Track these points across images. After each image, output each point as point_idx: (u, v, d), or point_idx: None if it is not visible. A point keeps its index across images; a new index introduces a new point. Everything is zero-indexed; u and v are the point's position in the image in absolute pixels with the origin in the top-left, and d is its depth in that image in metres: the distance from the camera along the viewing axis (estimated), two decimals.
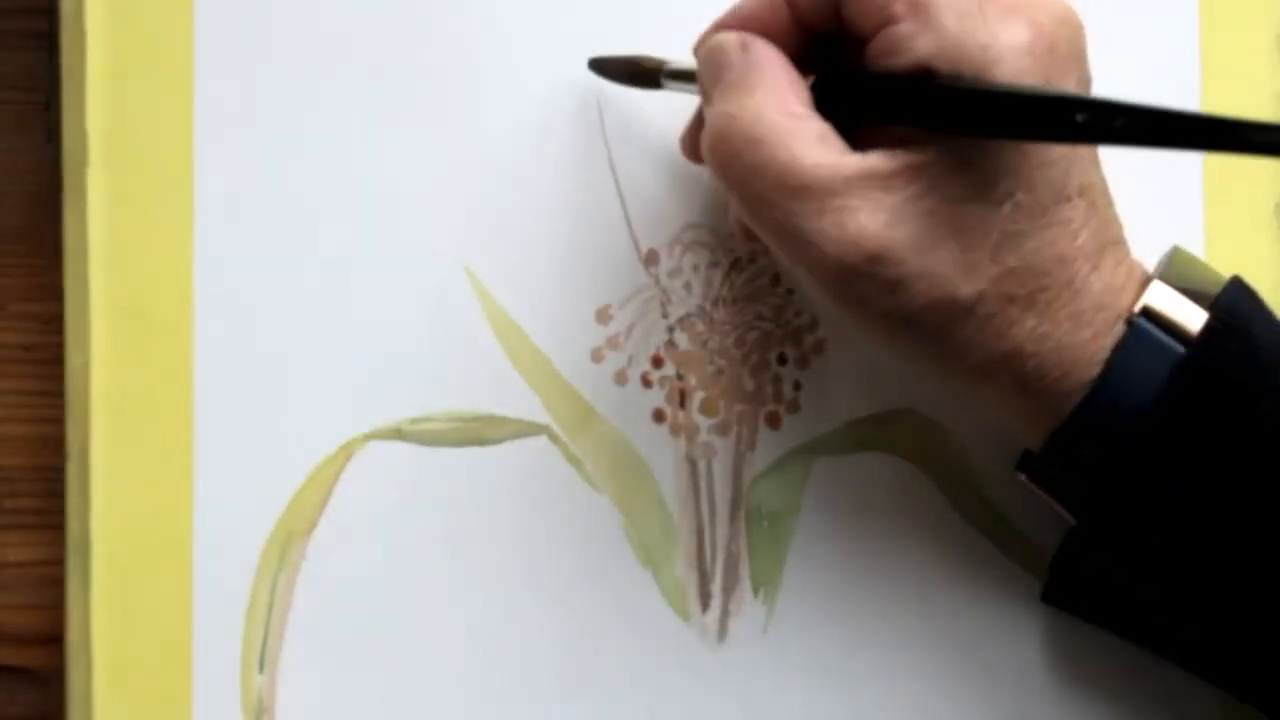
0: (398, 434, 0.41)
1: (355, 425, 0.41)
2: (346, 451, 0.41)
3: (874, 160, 0.34)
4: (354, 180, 0.41)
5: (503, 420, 0.41)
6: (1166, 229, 0.40)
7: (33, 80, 0.42)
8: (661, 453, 0.42)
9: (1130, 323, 0.35)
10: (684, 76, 0.39)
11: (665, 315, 0.42)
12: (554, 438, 0.41)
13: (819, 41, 0.37)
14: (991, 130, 0.34)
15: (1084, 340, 0.35)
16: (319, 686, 0.41)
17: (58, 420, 0.41)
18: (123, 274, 0.41)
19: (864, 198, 0.34)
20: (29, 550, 0.42)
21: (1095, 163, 0.36)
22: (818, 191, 0.34)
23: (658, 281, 0.42)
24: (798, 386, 0.42)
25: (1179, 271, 0.37)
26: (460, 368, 0.41)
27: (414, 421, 0.41)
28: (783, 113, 0.35)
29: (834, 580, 0.42)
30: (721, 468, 0.42)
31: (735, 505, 0.42)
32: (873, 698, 0.41)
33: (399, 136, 0.41)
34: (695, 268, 0.42)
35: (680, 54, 0.39)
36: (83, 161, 0.40)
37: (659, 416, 0.42)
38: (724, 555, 0.42)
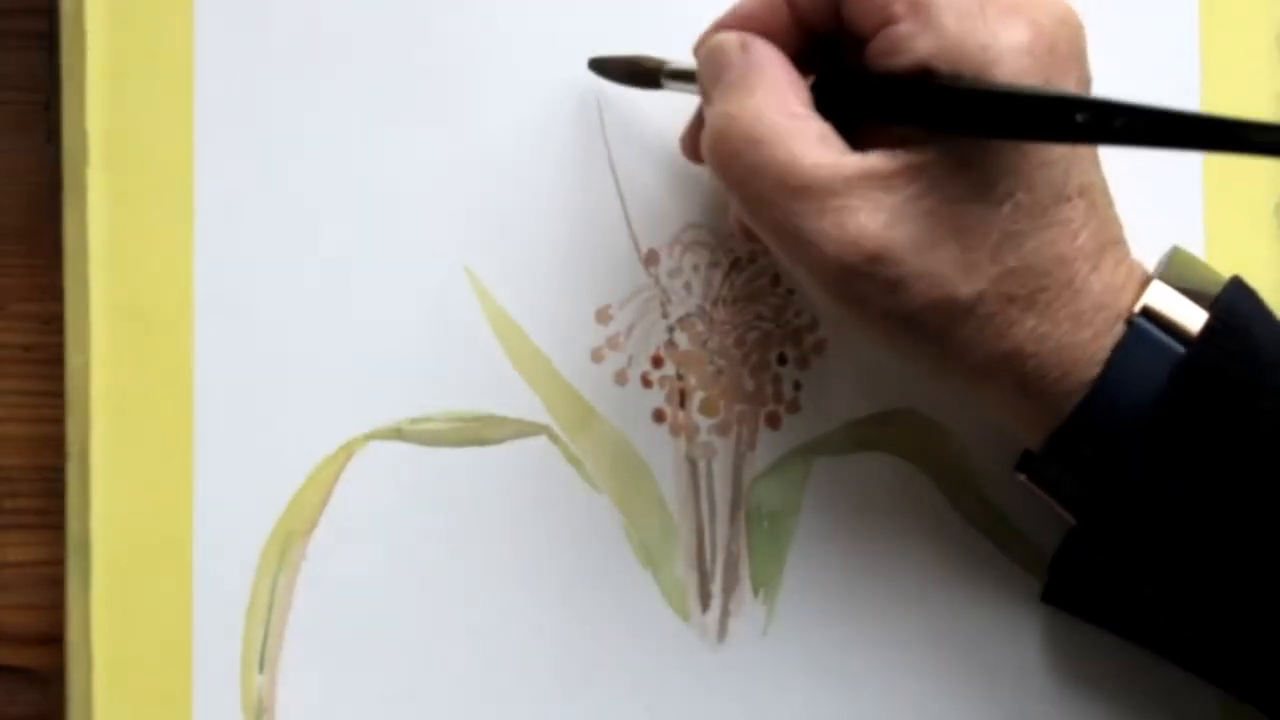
0: (398, 434, 0.41)
1: (355, 425, 0.41)
2: (346, 451, 0.41)
3: (874, 160, 0.34)
4: (354, 180, 0.41)
5: (503, 420, 0.41)
6: (1166, 229, 0.40)
7: (33, 80, 0.42)
8: (661, 453, 0.42)
9: (1130, 323, 0.35)
10: (684, 76, 0.39)
11: (665, 315, 0.42)
12: (554, 438, 0.41)
13: (819, 41, 0.37)
14: (991, 130, 0.34)
15: (1084, 340, 0.35)
16: (319, 686, 0.41)
17: (58, 420, 0.41)
18: (123, 274, 0.41)
19: (864, 198, 0.34)
20: (29, 550, 0.42)
21: (1095, 163, 0.36)
22: (818, 191, 0.34)
23: (658, 281, 0.42)
24: (798, 386, 0.42)
25: (1179, 271, 0.37)
26: (460, 368, 0.41)
27: (414, 421, 0.41)
28: (783, 113, 0.35)
29: (834, 580, 0.42)
30: (721, 468, 0.42)
31: (735, 505, 0.42)
32: (873, 698, 0.41)
33: (399, 136, 0.41)
34: (695, 268, 0.42)
35: (680, 54, 0.39)
36: (83, 161, 0.40)
37: (659, 416, 0.42)
38: (724, 555, 0.42)
